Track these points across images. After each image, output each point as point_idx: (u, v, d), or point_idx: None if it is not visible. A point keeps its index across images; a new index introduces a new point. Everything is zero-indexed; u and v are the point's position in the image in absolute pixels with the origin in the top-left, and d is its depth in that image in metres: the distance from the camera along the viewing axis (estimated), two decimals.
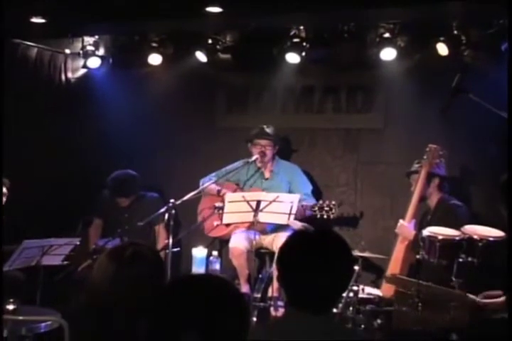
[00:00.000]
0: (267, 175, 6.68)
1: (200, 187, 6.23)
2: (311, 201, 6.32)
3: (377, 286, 5.97)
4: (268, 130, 6.61)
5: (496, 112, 4.35)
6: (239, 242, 6.36)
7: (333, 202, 6.03)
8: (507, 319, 3.92)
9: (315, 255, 2.40)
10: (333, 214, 5.98)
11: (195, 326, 1.90)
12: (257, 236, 6.15)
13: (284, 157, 6.87)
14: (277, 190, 6.33)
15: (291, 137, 7.19)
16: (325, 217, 6.00)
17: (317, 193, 6.74)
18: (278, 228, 6.32)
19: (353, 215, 6.89)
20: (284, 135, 6.99)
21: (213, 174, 6.63)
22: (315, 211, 6.03)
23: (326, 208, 6.00)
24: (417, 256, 5.32)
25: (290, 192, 6.45)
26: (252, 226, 5.88)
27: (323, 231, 2.54)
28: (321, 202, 6.11)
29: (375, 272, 6.42)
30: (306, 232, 2.59)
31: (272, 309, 6.11)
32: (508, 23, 5.51)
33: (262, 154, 6.55)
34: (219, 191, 6.51)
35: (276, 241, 6.25)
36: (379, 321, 5.29)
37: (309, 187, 6.60)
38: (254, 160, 6.57)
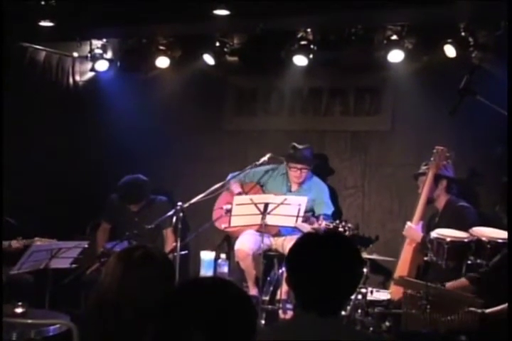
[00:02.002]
0: (294, 187, 6.59)
1: (213, 187, 6.13)
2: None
3: (386, 288, 5.97)
4: (305, 152, 6.48)
5: (503, 113, 4.34)
6: (244, 244, 6.36)
7: (350, 225, 5.97)
8: (507, 320, 3.92)
9: (324, 256, 2.40)
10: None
11: (203, 328, 1.90)
12: (268, 239, 6.14)
13: None
14: None
15: (299, 139, 7.17)
16: None
17: (336, 214, 6.69)
18: (293, 231, 6.29)
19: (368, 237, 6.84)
20: (319, 155, 6.90)
21: (242, 174, 6.53)
22: (329, 229, 6.00)
23: (341, 229, 5.95)
24: (425, 258, 5.32)
25: (311, 209, 6.42)
26: (261, 228, 5.88)
27: (332, 233, 2.54)
28: (337, 221, 6.04)
29: (383, 274, 6.41)
30: (316, 234, 2.60)
31: (280, 312, 6.10)
32: (508, 24, 5.51)
33: (298, 176, 6.49)
34: (240, 193, 6.48)
35: (286, 244, 6.23)
36: (387, 323, 5.29)
37: (331, 209, 6.52)
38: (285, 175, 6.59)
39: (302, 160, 6.47)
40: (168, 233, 6.74)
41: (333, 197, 6.77)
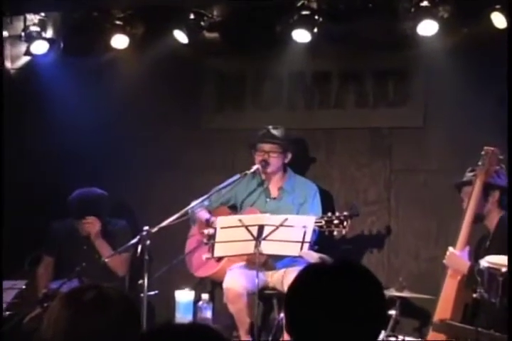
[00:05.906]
0: (273, 193, 6.65)
1: (184, 210, 6.15)
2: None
3: (422, 336, 5.97)
4: (275, 132, 6.60)
5: None
6: (236, 281, 6.34)
7: (345, 213, 6.01)
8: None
9: (333, 295, 2.40)
10: (344, 228, 5.98)
11: None
12: (261, 273, 6.13)
13: (296, 167, 6.86)
14: (285, 213, 6.26)
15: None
16: (335, 233, 6.00)
17: None
18: (289, 261, 6.29)
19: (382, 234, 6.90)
20: (297, 138, 6.98)
21: (205, 197, 6.50)
22: (322, 226, 6.02)
23: (336, 221, 5.98)
24: (474, 295, 5.30)
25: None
26: (253, 259, 5.87)
27: (344, 264, 2.53)
28: (329, 214, 6.11)
29: (418, 317, 6.42)
30: (323, 265, 2.59)
31: None
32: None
33: (264, 163, 6.52)
34: (208, 220, 6.48)
35: (286, 279, 6.22)
36: None
37: (319, 214, 6.54)
38: (256, 173, 6.55)
39: (270, 138, 6.57)
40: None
41: (327, 202, 6.80)
